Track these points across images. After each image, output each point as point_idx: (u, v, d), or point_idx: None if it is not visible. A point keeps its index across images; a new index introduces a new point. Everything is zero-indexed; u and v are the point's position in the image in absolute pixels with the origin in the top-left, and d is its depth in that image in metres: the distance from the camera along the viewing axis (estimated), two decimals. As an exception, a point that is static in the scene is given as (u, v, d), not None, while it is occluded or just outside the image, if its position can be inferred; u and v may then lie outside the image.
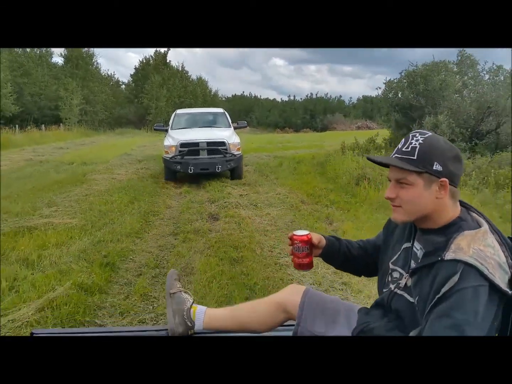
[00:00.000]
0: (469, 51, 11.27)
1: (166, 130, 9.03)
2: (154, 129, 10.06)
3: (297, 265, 1.35)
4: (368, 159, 1.21)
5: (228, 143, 7.81)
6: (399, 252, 1.20)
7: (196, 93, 44.25)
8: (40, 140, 17.79)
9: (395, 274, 1.19)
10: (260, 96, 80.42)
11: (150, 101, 35.09)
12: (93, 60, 34.27)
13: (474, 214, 1.12)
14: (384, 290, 1.23)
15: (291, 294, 1.45)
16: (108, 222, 4.91)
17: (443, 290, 0.97)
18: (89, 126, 29.38)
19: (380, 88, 11.77)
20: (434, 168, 1.06)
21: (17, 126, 19.64)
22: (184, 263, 3.73)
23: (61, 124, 25.43)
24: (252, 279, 3.33)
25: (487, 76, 10.68)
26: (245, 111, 64.78)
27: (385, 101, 11.61)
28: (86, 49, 32.95)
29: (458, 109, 9.42)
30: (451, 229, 1.07)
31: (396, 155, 1.11)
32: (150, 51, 43.84)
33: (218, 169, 7.59)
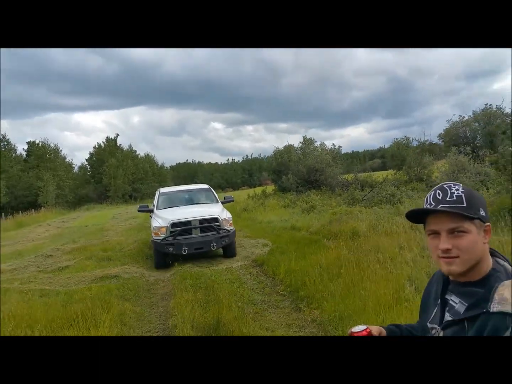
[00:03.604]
0: (310, 134, 20.69)
1: (151, 211, 8.76)
2: (138, 211, 9.39)
3: None
4: (408, 214, 1.16)
5: (221, 219, 7.57)
6: (435, 310, 1.17)
7: (146, 168, 52.05)
8: (37, 220, 24.18)
9: (433, 331, 1.16)
10: (203, 161, 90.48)
11: (109, 180, 42.10)
12: (59, 154, 41.26)
13: (501, 261, 1.12)
14: None
15: None
16: (134, 236, 12.27)
17: None
18: (61, 206, 35.54)
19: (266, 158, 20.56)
20: (481, 213, 1.07)
21: (20, 211, 26.02)
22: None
23: (41, 207, 31.66)
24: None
25: (318, 150, 19.80)
26: (190, 176, 73.24)
27: (267, 167, 20.33)
28: (53, 145, 40.40)
29: (297, 170, 18.17)
30: (490, 280, 1.06)
31: (442, 205, 1.08)
32: (102, 138, 51.40)
33: (213, 247, 7.30)
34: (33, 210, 28.77)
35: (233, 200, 10.15)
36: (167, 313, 4.88)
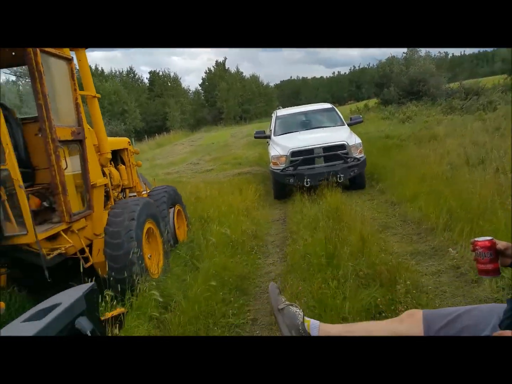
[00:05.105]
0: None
1: (269, 137, 8.20)
2: (255, 137, 9.00)
3: (480, 271, 1.31)
4: None
5: (349, 145, 6.63)
6: None
7: (252, 89, 54.83)
8: (170, 140, 29.43)
9: None
10: (307, 76, 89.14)
11: (221, 103, 46.29)
12: (178, 81, 46.56)
13: None
14: None
15: (411, 327, 1.40)
16: (253, 150, 15.31)
17: None
18: (185, 129, 41.22)
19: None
20: None
21: (156, 134, 31.88)
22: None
23: (170, 131, 37.54)
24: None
25: (422, 59, 19.66)
26: (294, 94, 73.94)
27: (367, 83, 21.09)
28: (173, 73, 45.72)
29: (400, 82, 18.69)
30: None
31: None
32: (211, 63, 54.93)
33: (340, 179, 6.40)
34: (164, 132, 34.49)
35: (361, 121, 8.45)
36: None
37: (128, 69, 46.64)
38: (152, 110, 43.60)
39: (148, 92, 46.30)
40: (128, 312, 3.00)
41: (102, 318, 2.76)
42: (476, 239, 1.32)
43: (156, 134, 33.99)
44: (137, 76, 47.28)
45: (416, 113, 15.03)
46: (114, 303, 3.00)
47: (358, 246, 3.62)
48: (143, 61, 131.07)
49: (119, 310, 2.97)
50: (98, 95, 3.72)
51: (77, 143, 3.14)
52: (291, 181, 6.62)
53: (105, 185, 3.94)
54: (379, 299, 2.67)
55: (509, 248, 1.29)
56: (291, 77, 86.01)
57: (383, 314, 2.56)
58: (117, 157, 4.79)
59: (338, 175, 6.39)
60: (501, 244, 1.29)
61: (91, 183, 3.45)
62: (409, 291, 2.72)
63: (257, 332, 3.01)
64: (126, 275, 3.34)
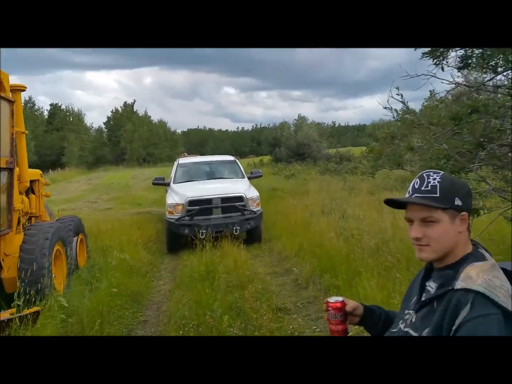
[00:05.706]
0: (304, 112, 24.17)
1: (168, 184, 7.95)
2: (153, 184, 8.72)
3: (332, 331, 1.35)
4: (387, 201, 1.22)
5: (247, 198, 6.71)
6: (415, 297, 1.21)
7: (159, 133, 55.54)
8: (65, 177, 28.22)
9: (407, 316, 1.20)
10: (214, 128, 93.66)
11: (125, 144, 45.86)
12: (81, 117, 45.14)
13: (481, 250, 1.16)
14: (392, 330, 1.25)
15: None
16: (153, 192, 16.02)
17: (457, 321, 1.00)
18: (82, 167, 39.57)
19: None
20: (455, 203, 1.11)
21: (49, 169, 30.12)
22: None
23: (65, 167, 35.74)
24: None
25: (307, 127, 23.16)
26: (200, 143, 76.64)
27: (264, 142, 23.85)
28: (77, 109, 44.20)
29: (289, 144, 21.66)
30: (463, 262, 1.11)
31: (416, 195, 1.13)
32: (118, 102, 54.29)
33: (236, 231, 6.40)
34: (58, 168, 32.83)
35: (261, 175, 8.71)
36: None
37: (27, 98, 43.75)
38: (47, 143, 41.12)
39: (46, 125, 43.72)
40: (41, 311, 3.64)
41: (20, 314, 3.40)
42: (328, 299, 1.35)
43: (50, 169, 32.11)
44: (36, 106, 44.65)
45: (300, 171, 17.62)
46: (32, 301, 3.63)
47: (231, 266, 4.83)
48: (43, 91, 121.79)
49: (35, 308, 3.63)
50: (26, 132, 4.43)
51: (8, 170, 3.83)
52: (186, 232, 6.38)
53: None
54: (237, 294, 3.87)
55: (357, 308, 1.36)
56: (198, 126, 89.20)
57: (238, 305, 3.76)
58: (29, 187, 5.35)
59: (235, 228, 6.40)
60: (349, 305, 1.34)
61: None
62: (258, 290, 3.98)
63: (147, 328, 3.91)
64: (37, 286, 3.94)
